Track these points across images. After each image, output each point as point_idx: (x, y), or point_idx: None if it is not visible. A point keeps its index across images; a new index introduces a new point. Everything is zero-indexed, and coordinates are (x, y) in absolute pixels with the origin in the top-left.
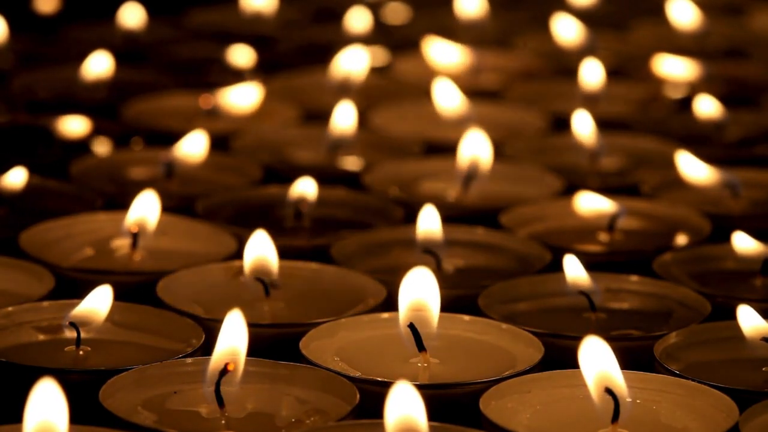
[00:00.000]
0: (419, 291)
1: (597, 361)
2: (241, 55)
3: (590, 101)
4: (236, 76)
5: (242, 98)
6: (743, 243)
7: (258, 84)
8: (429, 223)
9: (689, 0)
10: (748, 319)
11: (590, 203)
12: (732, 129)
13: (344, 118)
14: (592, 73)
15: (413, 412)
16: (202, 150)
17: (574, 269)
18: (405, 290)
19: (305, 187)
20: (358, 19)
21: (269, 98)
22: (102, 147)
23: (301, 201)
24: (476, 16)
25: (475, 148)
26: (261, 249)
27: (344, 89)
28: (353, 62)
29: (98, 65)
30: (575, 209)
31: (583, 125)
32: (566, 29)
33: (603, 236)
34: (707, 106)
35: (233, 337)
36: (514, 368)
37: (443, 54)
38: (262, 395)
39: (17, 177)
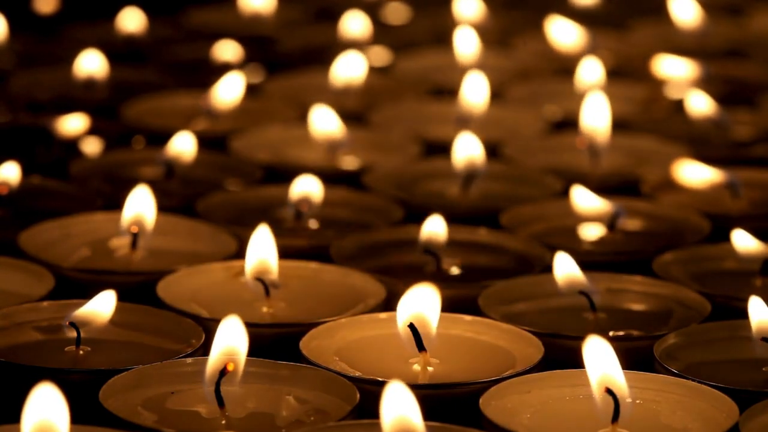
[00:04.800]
0: (419, 305)
1: (599, 360)
2: (239, 55)
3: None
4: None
5: (228, 92)
6: (743, 241)
7: (242, 77)
8: (434, 227)
9: (689, 0)
10: (757, 312)
11: (586, 200)
12: (732, 129)
13: (344, 118)
14: (591, 73)
15: (408, 413)
16: (193, 148)
17: (567, 268)
18: (405, 304)
19: (307, 187)
20: (357, 20)
21: (269, 98)
22: (101, 147)
23: (302, 201)
24: (476, 16)
25: (470, 149)
26: (262, 248)
27: (344, 91)
28: (352, 66)
29: (91, 64)
30: (572, 205)
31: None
32: (566, 29)
33: (603, 236)
34: (706, 105)
35: (231, 338)
36: (514, 368)
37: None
38: (262, 395)
39: (11, 172)
